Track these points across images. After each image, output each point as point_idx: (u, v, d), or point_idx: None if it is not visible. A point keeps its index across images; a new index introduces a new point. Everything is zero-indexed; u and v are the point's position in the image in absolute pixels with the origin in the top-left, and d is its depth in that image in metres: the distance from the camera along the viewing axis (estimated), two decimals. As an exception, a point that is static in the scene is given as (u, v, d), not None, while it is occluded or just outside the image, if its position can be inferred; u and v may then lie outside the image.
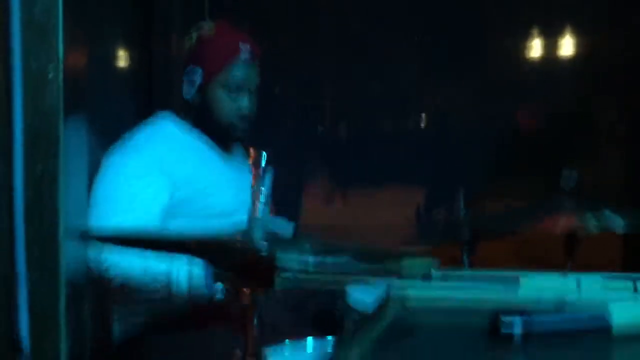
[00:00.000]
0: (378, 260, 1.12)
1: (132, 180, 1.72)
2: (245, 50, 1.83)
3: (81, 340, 1.57)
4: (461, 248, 1.85)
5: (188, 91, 1.85)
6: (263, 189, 1.14)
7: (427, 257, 1.10)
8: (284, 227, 2.06)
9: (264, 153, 1.15)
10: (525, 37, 2.91)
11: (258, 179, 1.14)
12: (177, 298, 1.65)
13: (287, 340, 1.31)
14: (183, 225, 1.78)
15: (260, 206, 1.13)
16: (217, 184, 1.85)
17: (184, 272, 1.62)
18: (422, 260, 1.14)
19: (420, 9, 2.84)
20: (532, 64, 2.92)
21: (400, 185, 2.91)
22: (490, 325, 1.00)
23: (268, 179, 1.15)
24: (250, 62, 1.84)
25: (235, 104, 1.84)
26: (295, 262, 1.13)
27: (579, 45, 2.88)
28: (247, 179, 1.17)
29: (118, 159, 1.77)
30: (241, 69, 1.83)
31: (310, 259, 1.08)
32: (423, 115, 3.10)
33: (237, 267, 1.11)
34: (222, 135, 1.89)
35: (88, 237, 1.40)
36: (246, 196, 1.16)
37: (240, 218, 1.20)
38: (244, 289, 1.05)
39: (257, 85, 1.88)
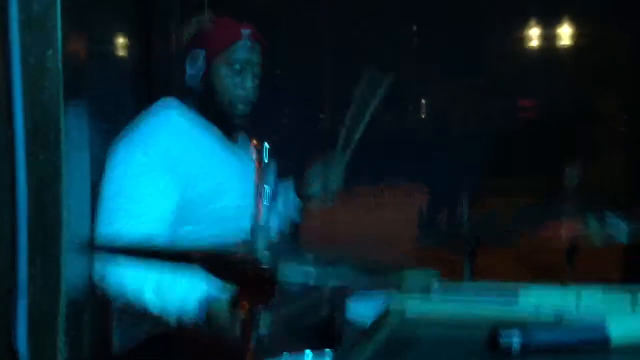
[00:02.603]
0: (379, 272, 1.12)
1: (139, 181, 1.71)
2: (246, 29, 1.82)
3: (80, 351, 1.57)
4: (463, 253, 1.86)
5: (191, 74, 1.84)
6: (267, 188, 1.13)
7: (427, 270, 1.10)
8: (286, 189, 2.08)
9: (267, 145, 1.15)
10: (528, 37, 2.90)
11: (261, 176, 1.13)
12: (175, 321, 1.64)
13: (285, 353, 1.31)
14: (192, 230, 1.78)
15: (264, 212, 1.13)
16: (225, 178, 1.85)
17: (175, 310, 1.61)
18: (422, 272, 1.14)
19: (421, 8, 2.82)
20: (534, 65, 2.91)
21: (402, 186, 2.92)
22: (489, 339, 1.00)
23: (272, 174, 1.14)
24: (252, 42, 1.84)
25: (238, 83, 1.83)
26: (296, 274, 1.13)
27: (580, 46, 2.86)
28: (253, 170, 1.17)
29: (124, 156, 1.75)
30: (244, 48, 1.83)
31: (311, 271, 1.08)
32: (423, 115, 3.10)
33: (238, 279, 1.11)
34: (225, 119, 1.88)
35: (91, 247, 1.40)
36: (250, 200, 1.16)
37: (244, 222, 1.20)
38: (244, 303, 1.05)
39: (261, 68, 1.87)
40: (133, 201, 1.68)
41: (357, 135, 2.01)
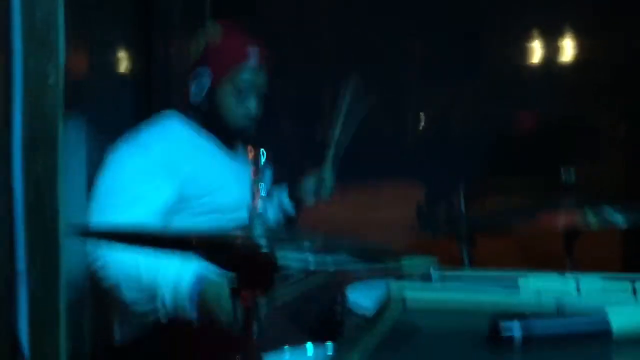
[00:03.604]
0: (378, 259, 1.12)
1: (136, 179, 1.72)
2: (253, 53, 1.83)
3: (81, 343, 1.57)
4: (461, 245, 1.86)
5: (196, 94, 1.85)
6: (263, 184, 1.14)
7: (426, 257, 1.10)
8: (280, 198, 2.10)
9: (263, 151, 1.16)
10: (525, 37, 2.91)
11: (257, 175, 1.14)
12: (163, 310, 1.64)
13: (286, 346, 1.31)
14: (185, 221, 1.78)
15: (260, 202, 1.13)
16: (222, 183, 1.85)
17: (169, 289, 1.61)
18: (421, 259, 1.13)
19: (420, 8, 2.84)
20: (532, 63, 2.92)
21: (400, 182, 2.92)
22: (490, 329, 1.00)
23: (267, 177, 1.15)
24: (258, 65, 1.85)
25: (243, 107, 1.84)
26: (295, 260, 1.13)
27: (578, 46, 2.88)
28: (248, 176, 1.18)
29: (123, 155, 1.77)
30: (249, 73, 1.84)
31: (310, 257, 1.08)
32: (422, 113, 3.10)
33: (236, 264, 1.11)
34: (227, 133, 1.89)
35: (87, 233, 1.40)
36: (247, 194, 1.17)
37: (242, 215, 1.20)
38: (244, 294, 1.05)
39: (265, 89, 1.89)
40: (127, 198, 1.69)
41: (342, 146, 2.11)
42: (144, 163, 1.74)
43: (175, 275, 1.59)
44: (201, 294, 1.57)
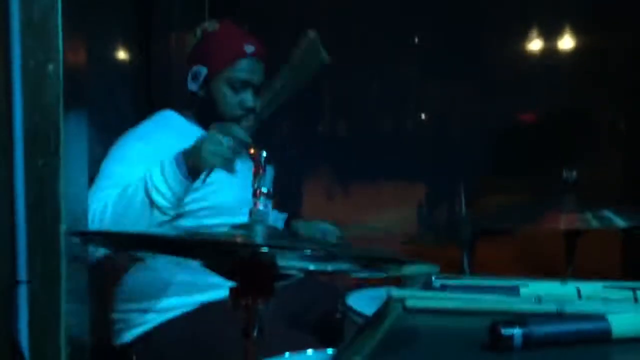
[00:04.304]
0: (379, 266, 1.12)
1: (137, 164, 1.72)
2: (250, 46, 1.84)
3: (81, 347, 1.57)
4: (462, 248, 1.86)
5: (193, 87, 1.86)
6: (264, 187, 1.14)
7: (428, 264, 1.10)
8: (276, 219, 2.08)
9: (264, 151, 1.16)
10: (526, 36, 2.91)
11: (258, 177, 1.14)
12: (165, 204, 1.63)
13: (287, 353, 1.31)
14: (188, 225, 1.78)
15: (261, 205, 1.13)
16: (222, 180, 1.85)
17: (157, 175, 1.61)
18: (423, 266, 1.14)
19: (420, 8, 2.84)
20: (533, 63, 2.92)
21: (401, 183, 2.93)
22: (490, 332, 1.00)
23: (269, 177, 1.15)
24: (255, 58, 1.85)
25: (239, 100, 1.85)
26: (296, 266, 1.13)
27: (579, 45, 2.87)
28: (250, 176, 1.18)
29: (123, 144, 1.79)
30: (246, 65, 1.84)
31: (311, 265, 1.08)
32: (423, 113, 3.10)
33: (236, 267, 1.10)
34: None
35: (86, 237, 1.40)
36: (249, 194, 1.17)
37: (243, 217, 1.21)
38: (244, 299, 1.05)
39: (263, 83, 1.89)
40: (126, 178, 1.69)
41: (279, 101, 1.94)
42: (145, 153, 1.76)
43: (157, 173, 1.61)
44: (187, 155, 1.59)
